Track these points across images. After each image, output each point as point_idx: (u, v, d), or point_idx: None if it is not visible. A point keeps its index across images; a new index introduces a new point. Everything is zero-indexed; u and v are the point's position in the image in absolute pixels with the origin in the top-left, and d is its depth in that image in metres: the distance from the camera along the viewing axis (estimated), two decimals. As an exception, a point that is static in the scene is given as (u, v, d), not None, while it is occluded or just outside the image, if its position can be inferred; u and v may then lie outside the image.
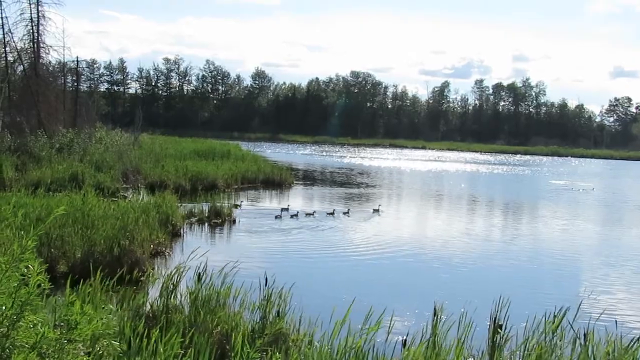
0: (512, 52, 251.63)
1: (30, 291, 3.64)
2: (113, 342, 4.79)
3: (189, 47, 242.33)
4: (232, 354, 5.68)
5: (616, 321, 9.57)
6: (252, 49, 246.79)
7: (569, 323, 8.92)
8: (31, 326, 3.69)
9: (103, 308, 8.37)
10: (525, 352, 8.54)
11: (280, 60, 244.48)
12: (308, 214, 25.56)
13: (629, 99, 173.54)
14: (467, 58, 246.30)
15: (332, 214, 26.07)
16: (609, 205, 38.94)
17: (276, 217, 24.93)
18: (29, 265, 3.74)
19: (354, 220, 25.54)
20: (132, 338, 7.20)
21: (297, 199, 32.57)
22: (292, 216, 24.99)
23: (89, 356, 4.15)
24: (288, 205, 26.93)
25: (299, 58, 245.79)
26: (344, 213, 26.72)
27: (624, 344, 8.31)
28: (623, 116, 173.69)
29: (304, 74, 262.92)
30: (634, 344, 8.25)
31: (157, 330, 7.09)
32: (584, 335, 8.67)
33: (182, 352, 7.21)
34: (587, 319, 9.52)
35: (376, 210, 27.79)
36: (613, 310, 13.34)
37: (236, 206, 26.47)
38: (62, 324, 3.83)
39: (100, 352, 4.65)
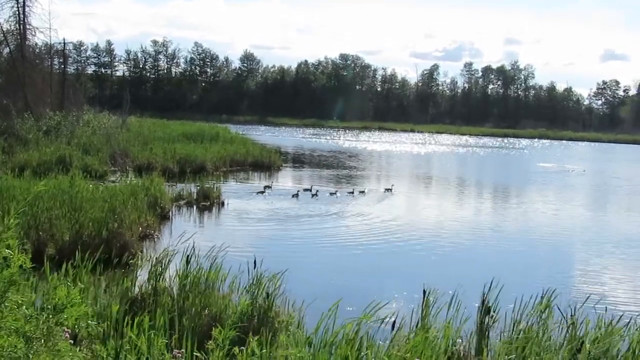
0: (503, 35, 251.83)
1: (13, 271, 3.59)
2: (90, 322, 4.75)
3: (178, 29, 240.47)
4: (215, 336, 5.66)
5: (605, 305, 9.60)
6: (242, 31, 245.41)
7: (557, 306, 8.95)
8: (16, 307, 3.65)
9: (83, 290, 8.36)
10: (514, 333, 8.57)
11: (270, 42, 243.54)
12: (332, 194, 27.31)
13: (617, 82, 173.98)
14: (458, 41, 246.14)
15: (352, 193, 27.92)
16: (601, 188, 39.06)
17: (293, 195, 26.13)
18: (9, 246, 3.68)
19: (367, 200, 26.66)
20: (118, 320, 7.17)
21: (286, 180, 32.57)
22: (312, 195, 26.45)
23: (74, 339, 4.12)
24: (311, 186, 28.05)
25: (290, 40, 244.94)
26: (361, 192, 28.45)
27: (611, 326, 8.34)
28: (611, 99, 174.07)
29: (294, 57, 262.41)
30: (621, 325, 8.29)
31: (145, 313, 7.05)
32: (571, 317, 8.70)
33: (170, 332, 7.18)
34: (577, 302, 9.55)
35: (388, 190, 29.14)
36: (603, 293, 13.41)
37: (266, 187, 27.68)
38: (49, 307, 3.79)
39: (81, 333, 4.62)
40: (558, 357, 7.20)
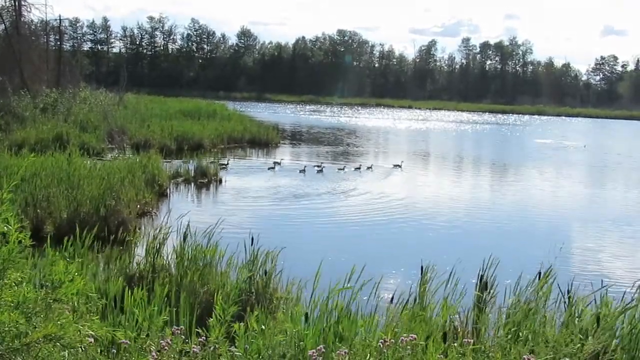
0: (502, 11, 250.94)
1: (12, 248, 3.59)
2: (90, 294, 4.76)
3: (174, 5, 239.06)
4: (217, 311, 5.70)
5: (603, 282, 9.62)
6: (239, 7, 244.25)
7: (555, 282, 8.97)
8: (14, 284, 3.65)
9: (81, 264, 8.37)
10: (511, 309, 8.60)
11: (267, 18, 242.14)
12: (340, 169, 27.75)
13: (615, 58, 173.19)
14: (456, 17, 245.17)
15: (359, 169, 28.15)
16: (600, 164, 38.97)
17: (300, 171, 26.64)
18: (8, 222, 3.67)
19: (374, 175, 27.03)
20: (117, 296, 7.19)
21: (285, 157, 32.57)
22: (318, 171, 26.89)
23: (74, 313, 4.14)
24: (321, 163, 28.45)
25: (286, 16, 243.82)
26: (368, 168, 28.54)
27: (609, 303, 8.37)
28: (609, 75, 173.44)
29: (291, 33, 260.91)
30: (619, 302, 8.33)
31: (143, 289, 7.07)
32: (569, 293, 8.72)
33: (169, 308, 7.20)
34: (575, 278, 9.59)
35: (397, 166, 29.57)
36: (601, 270, 13.48)
37: (276, 163, 28.12)
38: (47, 283, 3.79)
39: (81, 309, 4.63)
40: (555, 333, 7.23)
